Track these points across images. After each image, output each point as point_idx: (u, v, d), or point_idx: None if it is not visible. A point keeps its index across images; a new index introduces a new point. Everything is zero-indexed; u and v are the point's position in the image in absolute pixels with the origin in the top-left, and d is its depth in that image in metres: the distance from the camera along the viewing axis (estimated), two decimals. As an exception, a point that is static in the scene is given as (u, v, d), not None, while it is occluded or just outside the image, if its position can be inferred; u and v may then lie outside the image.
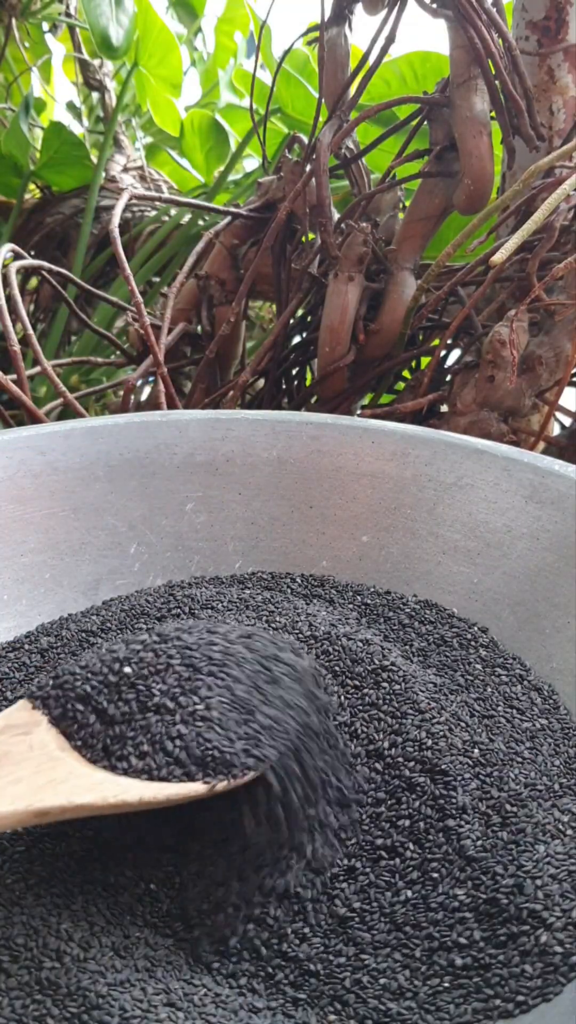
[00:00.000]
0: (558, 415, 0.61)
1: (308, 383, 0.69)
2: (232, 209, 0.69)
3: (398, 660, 0.36)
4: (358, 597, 0.43)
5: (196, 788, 0.28)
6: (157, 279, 0.96)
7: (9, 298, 0.59)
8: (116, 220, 0.63)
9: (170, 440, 0.47)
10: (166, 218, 0.96)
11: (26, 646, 0.40)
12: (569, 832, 0.30)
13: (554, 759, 0.33)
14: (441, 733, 0.33)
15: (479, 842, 0.29)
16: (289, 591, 0.43)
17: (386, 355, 0.63)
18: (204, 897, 0.28)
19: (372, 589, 0.43)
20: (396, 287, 0.62)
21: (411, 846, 0.29)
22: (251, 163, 1.07)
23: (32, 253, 1.00)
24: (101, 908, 0.28)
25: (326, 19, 0.61)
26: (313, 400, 0.67)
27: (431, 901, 0.28)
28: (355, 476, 0.46)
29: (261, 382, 0.72)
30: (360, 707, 0.34)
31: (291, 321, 0.67)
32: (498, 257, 0.48)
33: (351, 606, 0.42)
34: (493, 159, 0.57)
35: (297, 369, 0.70)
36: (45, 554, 0.43)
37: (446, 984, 0.26)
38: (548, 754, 0.33)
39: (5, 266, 0.62)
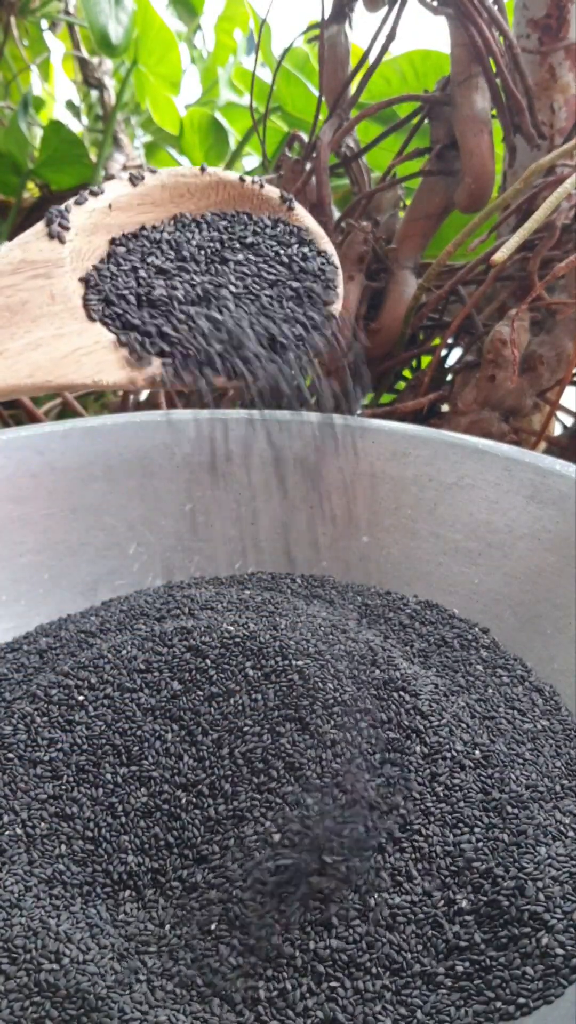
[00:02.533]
0: (559, 415, 0.61)
1: (308, 382, 0.69)
2: (232, 207, 0.69)
3: (399, 661, 0.36)
4: (358, 598, 0.42)
5: (222, 381, 0.25)
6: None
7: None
8: (115, 219, 0.62)
9: (169, 440, 0.47)
10: (166, 216, 0.96)
11: (24, 647, 0.40)
12: (570, 834, 0.30)
13: (555, 760, 0.33)
14: (442, 735, 0.32)
15: (480, 844, 0.29)
16: (289, 591, 0.43)
17: (386, 354, 0.63)
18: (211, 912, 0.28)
19: (372, 590, 0.43)
20: (396, 286, 0.62)
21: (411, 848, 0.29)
22: (251, 161, 1.07)
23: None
24: (100, 910, 0.28)
25: (326, 17, 0.61)
26: (313, 400, 0.67)
27: (431, 904, 0.28)
28: (355, 476, 0.46)
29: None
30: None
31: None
32: (499, 256, 0.48)
33: (351, 607, 0.42)
34: (494, 157, 0.57)
35: (297, 368, 0.70)
36: (43, 554, 0.43)
37: (447, 987, 0.26)
38: (549, 755, 0.33)
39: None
